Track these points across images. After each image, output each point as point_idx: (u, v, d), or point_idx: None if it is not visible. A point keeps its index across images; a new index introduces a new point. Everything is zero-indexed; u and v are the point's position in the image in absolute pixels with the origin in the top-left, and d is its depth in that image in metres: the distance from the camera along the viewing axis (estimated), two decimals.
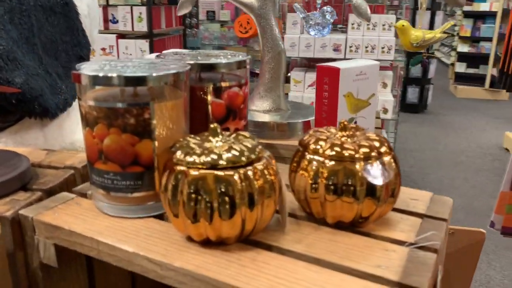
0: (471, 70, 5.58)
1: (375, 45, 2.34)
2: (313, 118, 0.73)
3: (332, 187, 0.42)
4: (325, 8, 0.74)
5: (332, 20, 0.76)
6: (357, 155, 0.42)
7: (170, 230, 0.44)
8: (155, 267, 0.40)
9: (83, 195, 0.52)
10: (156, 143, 0.45)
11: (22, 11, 0.66)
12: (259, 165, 0.41)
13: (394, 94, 2.48)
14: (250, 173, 0.40)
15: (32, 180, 0.55)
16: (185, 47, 3.13)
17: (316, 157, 0.44)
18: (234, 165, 0.39)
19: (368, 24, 2.43)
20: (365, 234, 0.44)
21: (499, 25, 5.43)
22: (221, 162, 0.39)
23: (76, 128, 0.76)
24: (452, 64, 6.08)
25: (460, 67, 5.65)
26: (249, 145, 0.41)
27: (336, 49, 2.36)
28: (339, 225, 0.45)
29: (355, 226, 0.45)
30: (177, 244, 0.42)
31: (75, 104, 0.76)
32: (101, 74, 0.42)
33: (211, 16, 4.31)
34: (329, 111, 0.69)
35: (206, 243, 0.41)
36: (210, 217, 0.39)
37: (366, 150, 0.43)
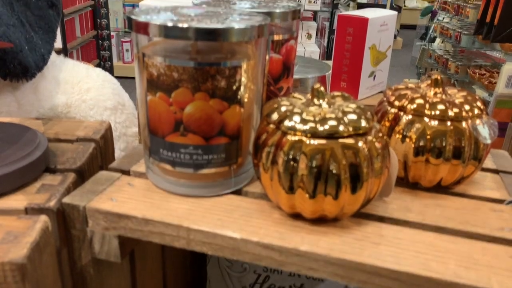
0: None
1: None
2: (329, 72, 0.69)
3: (437, 149, 0.40)
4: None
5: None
6: (463, 114, 0.40)
7: (263, 208, 0.38)
8: (272, 254, 0.34)
9: (125, 172, 0.43)
10: (243, 109, 0.38)
11: None
12: (375, 128, 0.36)
13: (317, 44, 2.50)
14: (370, 138, 0.35)
15: (51, 158, 0.44)
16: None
17: (418, 118, 0.40)
18: (356, 131, 0.35)
19: None
20: (461, 195, 0.42)
21: None
22: (342, 128, 0.34)
23: (56, 89, 0.64)
24: None
25: None
26: (359, 107, 0.37)
27: None
28: (433, 188, 0.43)
29: (449, 187, 0.43)
30: (284, 223, 0.36)
31: (49, 61, 0.64)
32: (183, 25, 0.33)
33: None
34: (352, 65, 0.65)
35: (317, 221, 0.37)
36: (336, 192, 0.34)
37: (468, 107, 0.40)
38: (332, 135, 0.34)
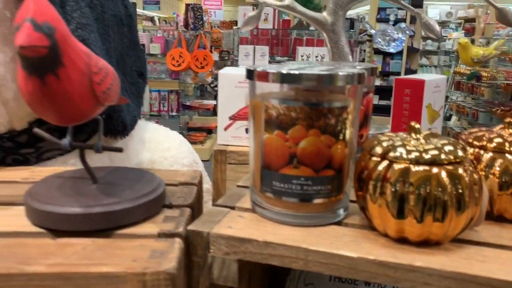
0: (383, 102, 6.02)
1: None
2: (388, 130, 0.75)
3: None
4: (400, 24, 0.78)
5: (405, 36, 0.80)
6: None
7: (368, 236, 0.42)
8: (387, 271, 0.38)
9: (231, 208, 0.48)
10: (346, 145, 0.43)
11: (104, 19, 0.61)
12: (469, 160, 0.41)
13: None
14: (467, 166, 0.40)
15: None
16: None
17: (500, 155, 0.45)
18: (455, 160, 0.39)
19: (316, 57, 2.55)
20: None
21: (406, 60, 5.99)
22: (444, 156, 0.39)
23: (141, 148, 0.70)
24: None
25: (374, 100, 6.10)
26: (452, 141, 0.42)
27: None
28: None
29: None
30: (392, 247, 0.40)
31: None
32: (307, 72, 0.40)
33: None
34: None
35: (421, 244, 0.40)
36: (442, 216, 0.38)
37: None
38: (435, 162, 0.39)
